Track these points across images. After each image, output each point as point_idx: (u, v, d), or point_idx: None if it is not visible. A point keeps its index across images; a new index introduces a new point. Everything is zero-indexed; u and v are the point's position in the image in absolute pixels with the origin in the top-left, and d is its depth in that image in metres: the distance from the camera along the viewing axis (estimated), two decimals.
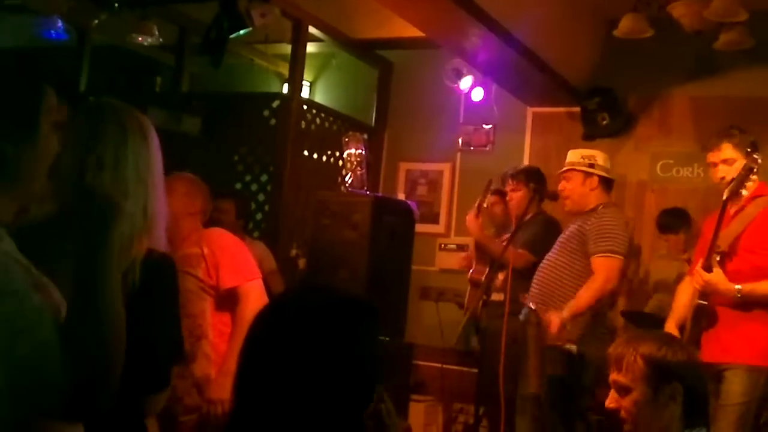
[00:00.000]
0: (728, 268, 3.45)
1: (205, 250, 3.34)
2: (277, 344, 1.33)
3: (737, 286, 3.39)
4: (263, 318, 1.39)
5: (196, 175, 3.61)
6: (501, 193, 5.17)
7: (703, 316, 3.50)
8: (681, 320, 3.61)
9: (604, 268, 4.00)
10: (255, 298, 3.27)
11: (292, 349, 1.32)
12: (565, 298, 4.06)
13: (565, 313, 3.92)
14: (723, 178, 3.59)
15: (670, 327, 3.62)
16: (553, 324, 3.92)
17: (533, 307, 4.04)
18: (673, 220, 5.31)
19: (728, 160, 3.58)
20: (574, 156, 4.28)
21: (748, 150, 3.54)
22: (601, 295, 4.01)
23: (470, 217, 5.06)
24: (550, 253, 4.25)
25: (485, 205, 5.12)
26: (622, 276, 4.20)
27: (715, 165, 3.64)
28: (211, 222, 3.93)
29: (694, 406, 2.18)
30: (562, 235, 4.26)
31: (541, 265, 4.25)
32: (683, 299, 3.66)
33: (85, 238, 1.40)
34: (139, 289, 1.89)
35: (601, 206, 4.18)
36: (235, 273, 3.35)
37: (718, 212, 3.49)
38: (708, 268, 3.42)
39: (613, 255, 4.03)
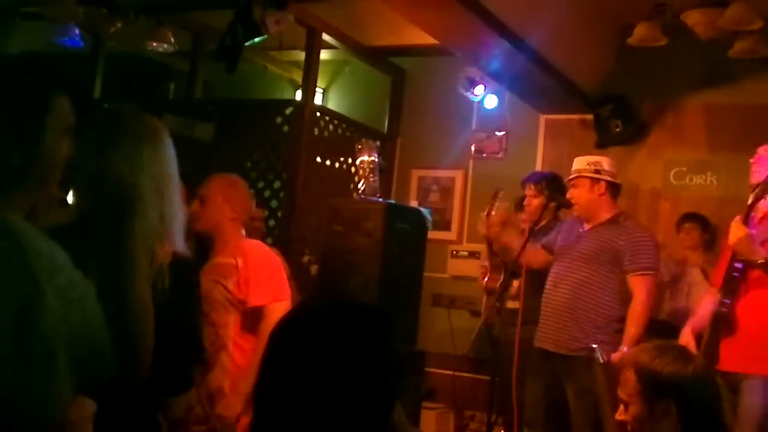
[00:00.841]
0: (755, 271, 3.46)
1: (240, 263, 3.30)
2: (296, 357, 1.33)
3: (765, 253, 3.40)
4: (281, 330, 1.39)
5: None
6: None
7: (723, 324, 3.49)
8: (700, 327, 3.60)
9: (644, 286, 4.03)
10: (277, 320, 3.22)
11: (310, 362, 1.32)
12: (600, 313, 4.05)
13: (626, 348, 3.88)
14: (753, 162, 3.67)
15: (687, 332, 3.62)
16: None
17: (596, 346, 4.00)
18: (686, 217, 5.39)
19: None
20: (580, 163, 4.28)
21: None
22: (647, 313, 4.04)
23: (483, 222, 5.04)
24: (570, 265, 4.18)
25: (493, 213, 5.12)
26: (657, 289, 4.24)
27: (757, 152, 3.68)
28: (250, 230, 3.90)
29: (696, 419, 2.14)
30: (576, 245, 4.20)
31: (564, 277, 4.18)
32: (706, 307, 3.65)
33: (106, 238, 1.46)
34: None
35: (623, 217, 4.20)
36: (265, 291, 3.31)
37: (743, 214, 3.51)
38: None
39: (649, 272, 4.07)
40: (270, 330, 3.05)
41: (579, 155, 4.46)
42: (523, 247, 4.44)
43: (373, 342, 1.35)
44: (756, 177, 3.64)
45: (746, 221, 3.45)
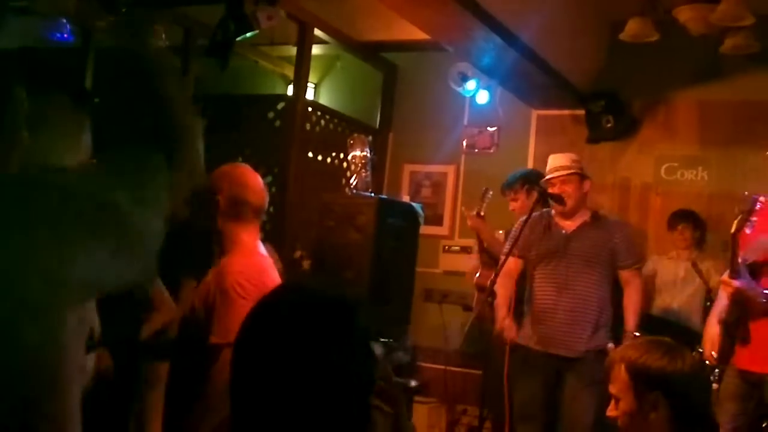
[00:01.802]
0: (761, 281, 3.48)
1: (212, 287, 2.73)
2: (263, 351, 1.34)
3: (765, 291, 3.42)
4: (248, 324, 1.39)
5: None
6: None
7: (740, 324, 3.52)
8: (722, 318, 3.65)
9: (639, 278, 4.28)
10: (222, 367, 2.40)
11: (277, 354, 1.33)
12: (605, 312, 4.15)
13: (632, 332, 4.10)
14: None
15: (712, 323, 3.66)
16: None
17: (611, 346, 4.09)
18: (679, 216, 5.40)
19: None
20: (564, 160, 4.33)
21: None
22: (642, 302, 4.31)
23: (472, 219, 5.10)
24: (568, 267, 4.20)
25: (482, 213, 5.15)
26: None
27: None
28: None
29: (686, 412, 2.16)
30: (578, 247, 4.21)
31: (565, 282, 4.19)
32: (724, 299, 3.68)
33: None
34: None
35: (601, 215, 4.37)
36: (226, 330, 2.55)
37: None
38: (735, 277, 3.47)
39: (641, 264, 4.39)
40: (219, 373, 2.50)
41: (571, 151, 4.48)
42: (511, 249, 4.48)
43: (333, 333, 1.35)
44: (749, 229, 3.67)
45: (734, 274, 3.47)
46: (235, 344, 1.38)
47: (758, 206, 3.51)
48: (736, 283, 3.45)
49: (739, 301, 3.49)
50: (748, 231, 3.54)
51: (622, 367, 2.21)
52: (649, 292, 5.36)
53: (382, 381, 1.85)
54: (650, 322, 4.85)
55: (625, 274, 4.22)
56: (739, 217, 3.53)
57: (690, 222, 5.32)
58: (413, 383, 2.19)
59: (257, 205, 2.87)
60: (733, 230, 3.54)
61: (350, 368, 1.34)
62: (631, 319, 4.16)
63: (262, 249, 2.91)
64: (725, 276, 3.55)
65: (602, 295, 4.15)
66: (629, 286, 4.21)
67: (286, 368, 1.31)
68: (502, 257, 4.49)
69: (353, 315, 1.38)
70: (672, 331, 3.97)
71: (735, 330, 3.52)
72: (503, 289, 4.45)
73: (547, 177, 4.33)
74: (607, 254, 4.18)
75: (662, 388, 2.15)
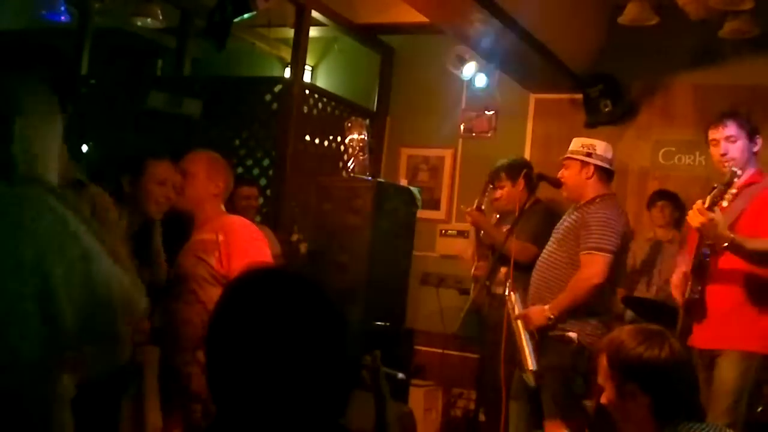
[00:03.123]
0: (722, 254, 3.46)
1: (221, 238, 3.27)
2: (239, 331, 1.35)
3: (732, 235, 3.37)
4: (222, 306, 1.40)
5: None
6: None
7: (695, 309, 3.51)
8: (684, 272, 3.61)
9: (589, 266, 3.98)
10: None
11: (253, 333, 1.33)
12: (559, 292, 4.06)
13: (548, 313, 3.99)
14: (724, 155, 3.60)
15: (676, 279, 3.64)
16: (535, 319, 4.01)
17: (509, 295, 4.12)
18: (659, 195, 5.46)
19: (731, 137, 3.60)
20: (574, 144, 4.27)
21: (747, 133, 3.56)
22: (585, 293, 3.98)
23: (472, 214, 5.07)
24: (548, 246, 4.23)
25: (483, 207, 5.15)
26: (616, 269, 4.13)
27: (717, 142, 3.64)
28: (238, 209, 3.90)
29: (668, 402, 2.16)
30: (560, 227, 4.23)
31: (541, 258, 4.23)
32: (681, 268, 3.66)
33: None
34: None
35: (598, 199, 4.14)
36: (247, 265, 3.07)
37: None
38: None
39: (598, 252, 3.99)
40: None
41: (568, 135, 4.47)
42: (510, 232, 4.47)
43: (304, 306, 1.36)
44: (723, 150, 3.64)
45: (711, 208, 3.39)
46: (210, 328, 1.39)
47: (736, 179, 3.39)
48: (711, 213, 3.35)
49: (707, 237, 3.40)
50: (725, 204, 3.46)
51: (602, 357, 2.23)
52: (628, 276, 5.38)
53: (368, 357, 1.87)
54: (643, 305, 4.85)
55: (580, 258, 4.02)
56: (714, 191, 3.38)
57: (670, 200, 5.36)
58: (400, 375, 2.24)
59: (231, 189, 3.57)
60: (707, 204, 3.35)
61: (327, 338, 1.35)
62: (559, 297, 3.99)
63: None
64: (700, 204, 3.36)
65: (563, 276, 4.06)
66: (579, 270, 4.00)
67: (262, 344, 1.32)
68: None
69: (321, 289, 1.38)
70: (657, 311, 3.96)
71: (698, 307, 3.50)
72: None
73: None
74: (573, 236, 4.07)
75: (639, 377, 2.15)
